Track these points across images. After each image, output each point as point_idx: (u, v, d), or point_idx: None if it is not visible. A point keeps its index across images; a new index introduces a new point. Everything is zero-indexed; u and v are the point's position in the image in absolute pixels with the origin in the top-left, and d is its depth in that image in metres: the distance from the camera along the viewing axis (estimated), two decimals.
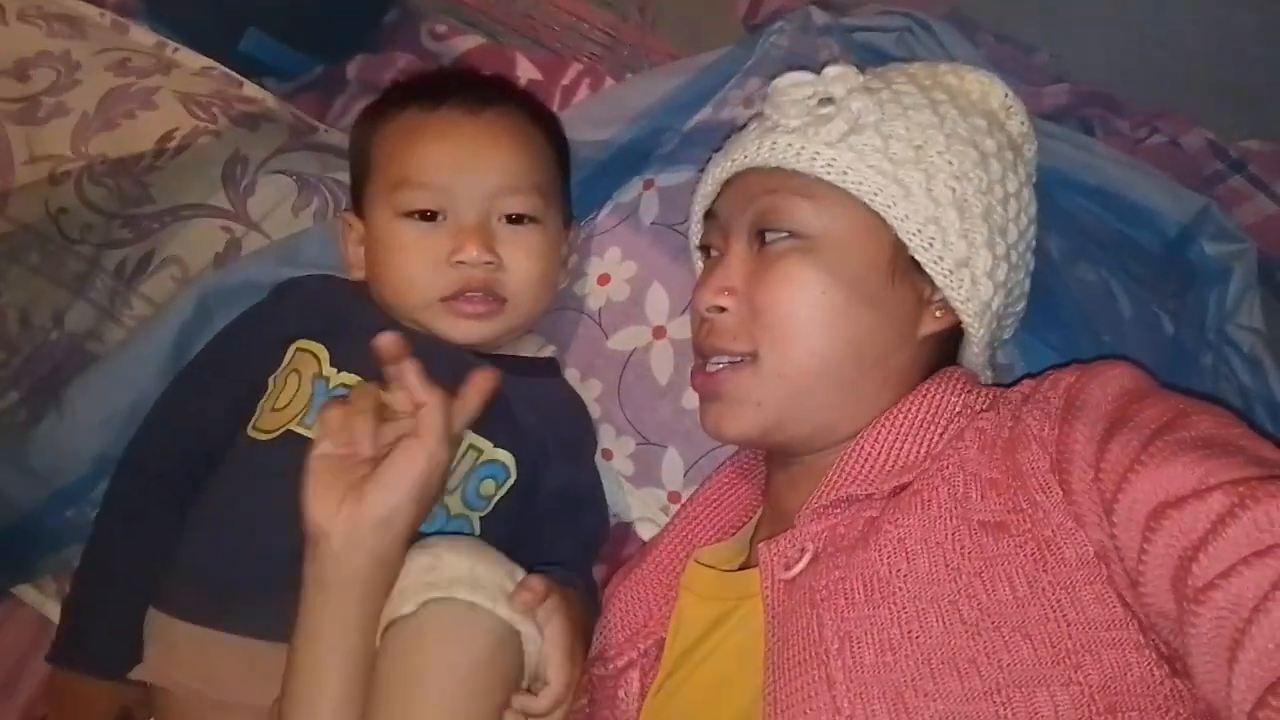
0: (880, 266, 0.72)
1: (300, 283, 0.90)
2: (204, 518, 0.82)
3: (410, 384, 0.70)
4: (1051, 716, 0.55)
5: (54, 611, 0.93)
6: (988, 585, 0.60)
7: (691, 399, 0.88)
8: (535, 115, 0.92)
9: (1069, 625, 0.58)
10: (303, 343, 0.84)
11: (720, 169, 0.78)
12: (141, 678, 0.79)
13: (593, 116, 1.07)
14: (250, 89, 1.07)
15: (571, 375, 0.97)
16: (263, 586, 0.76)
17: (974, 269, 0.72)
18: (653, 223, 0.99)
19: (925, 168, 0.71)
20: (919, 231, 0.71)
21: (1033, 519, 0.62)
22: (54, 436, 0.92)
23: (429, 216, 0.83)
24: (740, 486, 0.87)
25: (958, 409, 0.72)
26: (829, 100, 0.74)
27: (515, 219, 0.85)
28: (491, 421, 0.82)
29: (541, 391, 0.89)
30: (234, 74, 1.08)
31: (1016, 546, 0.61)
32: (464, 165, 0.84)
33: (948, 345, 0.77)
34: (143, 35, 1.08)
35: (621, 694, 0.78)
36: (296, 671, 0.69)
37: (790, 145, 0.73)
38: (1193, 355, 0.94)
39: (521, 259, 0.84)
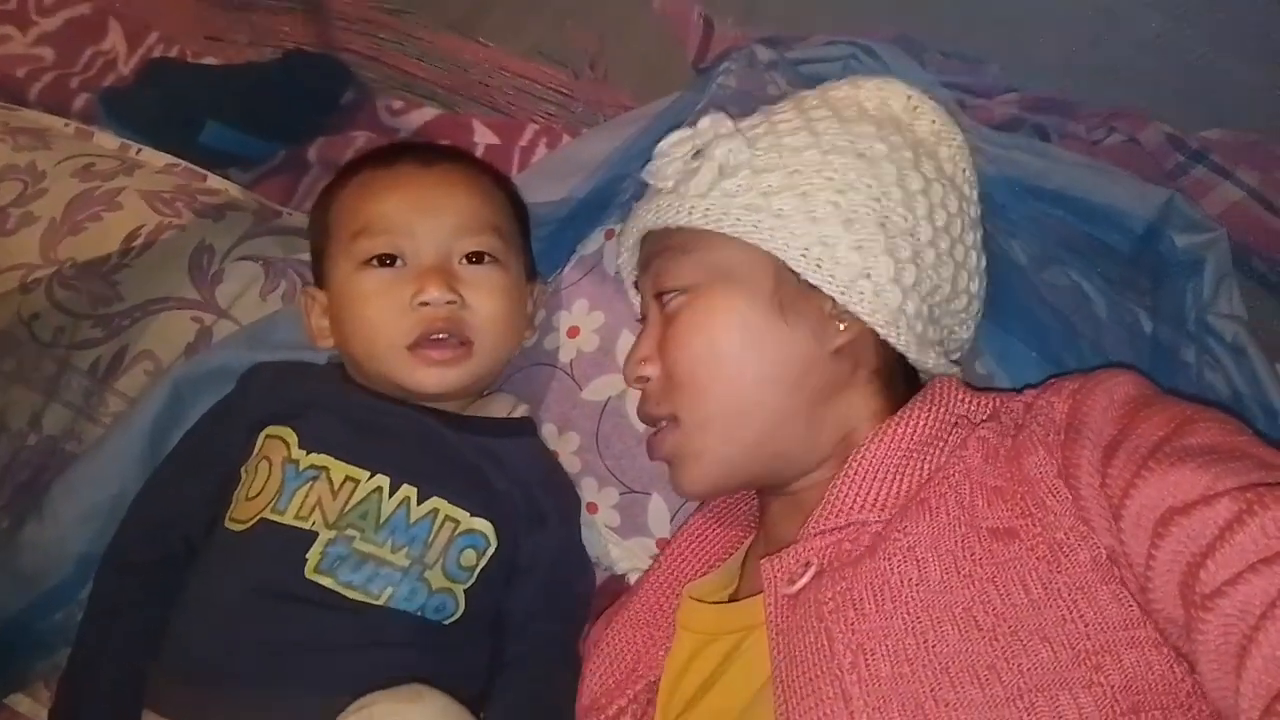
0: (766, 296, 0.73)
1: (264, 368, 0.91)
2: (184, 612, 0.81)
3: None
4: (1075, 719, 0.55)
5: None
6: (1002, 590, 0.60)
7: None
8: (488, 172, 0.94)
9: (1087, 626, 0.58)
10: (271, 429, 0.84)
11: (627, 239, 0.83)
12: None
13: (551, 174, 1.09)
14: (214, 181, 1.10)
15: (549, 430, 0.96)
16: (245, 681, 0.76)
17: (876, 278, 0.71)
18: (616, 272, 0.99)
19: (803, 191, 0.72)
20: (804, 254, 0.71)
21: (1043, 523, 0.62)
22: (37, 539, 0.91)
23: (389, 261, 0.84)
24: (725, 521, 0.86)
25: (955, 421, 0.72)
26: (700, 153, 0.76)
27: (476, 258, 0.85)
28: (466, 490, 0.82)
29: (516, 453, 0.88)
30: (197, 168, 1.10)
31: (1028, 550, 0.61)
32: (420, 209, 0.85)
33: (879, 350, 0.76)
34: (106, 140, 1.12)
35: None
36: None
37: (669, 205, 0.76)
38: (1173, 350, 0.93)
39: (484, 298, 0.84)
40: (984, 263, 0.84)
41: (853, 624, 0.62)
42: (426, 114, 1.18)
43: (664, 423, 0.76)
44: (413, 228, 0.84)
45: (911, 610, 0.61)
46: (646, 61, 1.17)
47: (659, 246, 0.77)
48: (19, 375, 0.96)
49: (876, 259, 0.72)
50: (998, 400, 0.74)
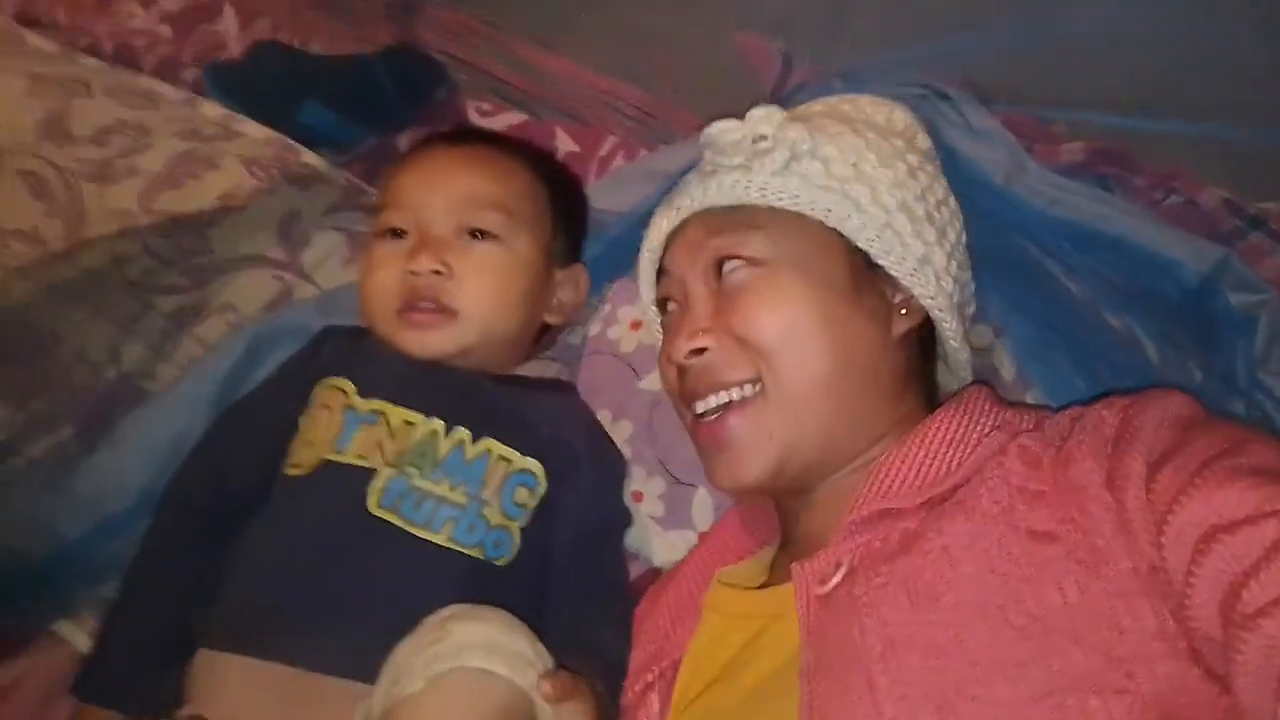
0: (841, 278, 0.75)
1: (337, 330, 0.95)
2: (248, 554, 0.83)
3: None
4: None
5: None
6: (1036, 591, 0.59)
7: None
8: (523, 154, 0.97)
9: (1122, 633, 0.56)
10: (329, 380, 0.87)
11: (666, 220, 0.81)
12: (192, 714, 0.77)
13: (627, 182, 1.13)
14: (307, 156, 1.15)
15: (604, 417, 0.99)
16: (305, 612, 0.77)
17: (935, 265, 0.75)
18: None
19: (867, 182, 0.75)
20: (877, 238, 0.74)
21: (1084, 529, 0.61)
22: (103, 467, 0.95)
23: (399, 234, 0.89)
24: (758, 522, 0.87)
25: (994, 424, 0.73)
26: (763, 137, 0.76)
27: (476, 234, 0.89)
28: (515, 432, 0.85)
29: (553, 405, 0.91)
30: (293, 142, 1.15)
31: (1067, 554, 0.60)
32: (431, 184, 0.89)
33: (920, 349, 0.79)
34: (210, 109, 1.17)
35: (643, 716, 0.77)
36: None
37: (738, 182, 0.75)
38: (1222, 403, 0.94)
39: (472, 272, 0.87)
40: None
41: (885, 617, 0.62)
42: (513, 118, 1.23)
43: (744, 388, 0.74)
44: (420, 204, 0.89)
45: (944, 606, 0.60)
46: (720, 88, 1.21)
47: (717, 225, 0.76)
48: (103, 311, 1.00)
49: (933, 249, 0.76)
50: (1043, 414, 0.75)
